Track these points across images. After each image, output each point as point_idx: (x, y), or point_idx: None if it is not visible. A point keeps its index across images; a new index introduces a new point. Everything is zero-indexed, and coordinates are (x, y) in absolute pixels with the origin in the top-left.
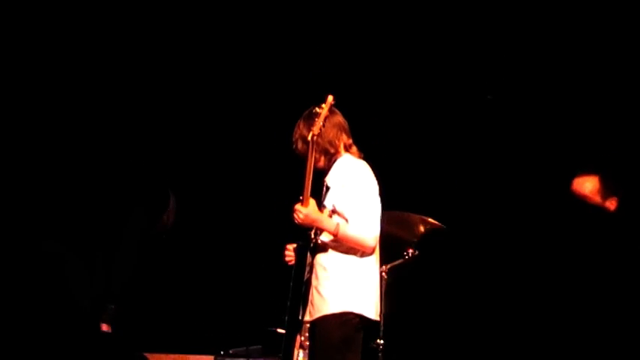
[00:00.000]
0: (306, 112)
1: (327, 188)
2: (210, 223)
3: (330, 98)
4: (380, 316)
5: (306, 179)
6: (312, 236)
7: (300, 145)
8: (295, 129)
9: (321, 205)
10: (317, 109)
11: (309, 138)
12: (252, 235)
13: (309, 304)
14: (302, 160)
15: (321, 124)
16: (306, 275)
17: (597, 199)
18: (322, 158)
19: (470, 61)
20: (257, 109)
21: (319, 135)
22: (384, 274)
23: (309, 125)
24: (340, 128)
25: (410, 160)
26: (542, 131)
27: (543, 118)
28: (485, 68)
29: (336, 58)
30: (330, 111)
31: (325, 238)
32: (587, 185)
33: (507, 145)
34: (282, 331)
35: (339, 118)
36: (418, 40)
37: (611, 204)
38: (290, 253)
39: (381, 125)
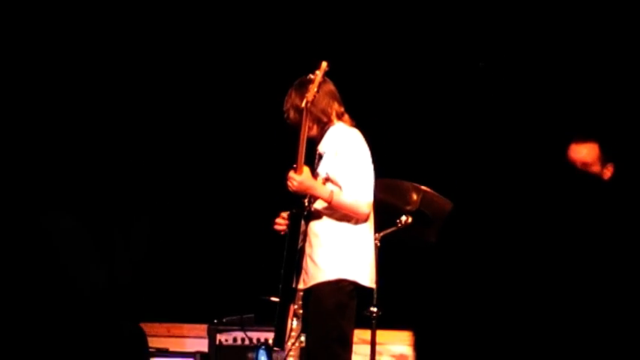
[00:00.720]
0: (298, 80)
1: (320, 156)
2: (202, 191)
3: (324, 64)
4: (374, 283)
5: (300, 146)
6: (306, 204)
7: (292, 114)
8: (287, 98)
9: (314, 173)
10: (310, 76)
11: (303, 105)
12: (244, 203)
13: (303, 272)
14: (294, 129)
15: (315, 90)
16: (300, 243)
17: (596, 165)
18: (315, 127)
19: (462, 28)
20: (250, 76)
21: (312, 103)
22: (376, 242)
23: (302, 94)
24: (332, 96)
25: (402, 128)
26: (536, 98)
27: (537, 84)
28: (478, 35)
29: (325, 25)
30: (323, 80)
31: (319, 205)
32: (585, 151)
33: (501, 111)
34: (276, 299)
35: (330, 86)
36: (408, 7)
37: (608, 170)
38: (281, 221)
39: (373, 93)
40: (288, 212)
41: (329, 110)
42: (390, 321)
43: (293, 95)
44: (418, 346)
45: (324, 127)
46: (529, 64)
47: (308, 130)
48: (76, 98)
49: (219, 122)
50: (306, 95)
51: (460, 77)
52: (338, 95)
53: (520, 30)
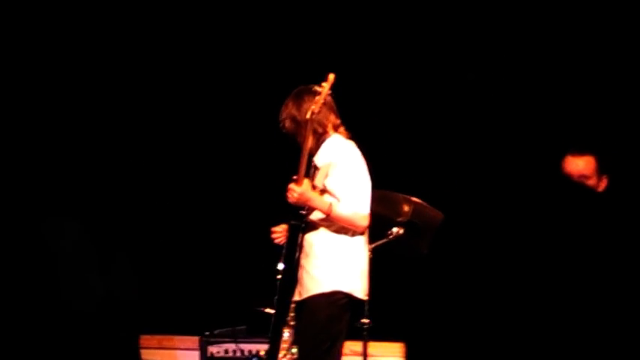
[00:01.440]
0: (296, 90)
1: (316, 168)
2: (195, 202)
3: (332, 77)
4: (367, 295)
5: (302, 158)
6: (305, 215)
7: (287, 123)
8: (283, 107)
9: (308, 172)
10: (316, 88)
11: (308, 116)
12: (236, 214)
13: (298, 284)
14: (290, 138)
15: (322, 102)
16: (297, 255)
17: (592, 178)
18: (310, 138)
19: (452, 39)
20: (248, 84)
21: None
22: (369, 253)
23: (299, 104)
24: (329, 108)
25: (393, 139)
26: (529, 108)
27: (531, 95)
28: (469, 45)
29: (319, 36)
30: (318, 92)
31: (315, 216)
32: (582, 164)
33: (493, 123)
34: (271, 311)
35: (327, 98)
36: (400, 21)
37: (602, 182)
38: (278, 230)
39: (362, 105)
40: (286, 224)
41: (325, 122)
42: (381, 333)
43: (290, 105)
44: (410, 358)
45: (320, 138)
46: (522, 74)
47: (306, 141)
48: (74, 103)
49: (213, 131)
50: (312, 107)
51: (451, 89)
52: (335, 107)
53: (514, 40)
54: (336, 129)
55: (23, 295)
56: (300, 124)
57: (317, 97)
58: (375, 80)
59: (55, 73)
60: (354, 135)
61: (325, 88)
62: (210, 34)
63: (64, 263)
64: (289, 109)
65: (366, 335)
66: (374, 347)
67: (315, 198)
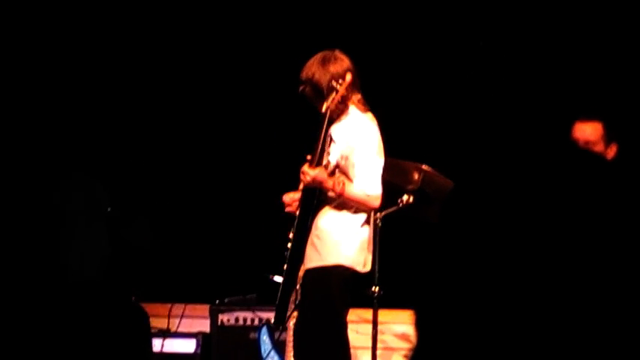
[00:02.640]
0: (321, 55)
1: (332, 139)
2: (205, 170)
3: (349, 77)
4: (375, 264)
5: (318, 143)
6: (317, 194)
7: (308, 89)
8: (306, 70)
9: (322, 157)
10: (334, 84)
11: (323, 110)
12: (246, 182)
13: (305, 257)
14: (306, 101)
15: (338, 100)
16: (309, 223)
17: (599, 144)
18: (329, 102)
19: (462, 7)
20: (251, 63)
21: (329, 79)
22: (378, 221)
23: (323, 71)
24: (353, 84)
25: (402, 107)
26: (539, 76)
27: (541, 62)
28: (478, 13)
29: (321, 8)
30: (340, 59)
31: (330, 195)
32: (589, 130)
33: (502, 89)
34: (279, 279)
35: (349, 65)
36: None
37: (611, 150)
38: (288, 199)
39: (373, 73)
40: (293, 193)
41: (349, 96)
42: (392, 300)
43: (314, 69)
44: (420, 325)
45: (341, 111)
46: (532, 41)
47: (323, 106)
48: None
49: (222, 104)
50: (328, 104)
51: (460, 56)
52: (356, 75)
53: (525, 5)
54: (355, 103)
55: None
56: (320, 93)
57: (333, 94)
58: (385, 48)
59: (52, 73)
60: (369, 104)
61: (342, 86)
62: (210, 22)
63: (69, 230)
64: (313, 73)
65: (376, 303)
66: (384, 315)
67: (328, 180)
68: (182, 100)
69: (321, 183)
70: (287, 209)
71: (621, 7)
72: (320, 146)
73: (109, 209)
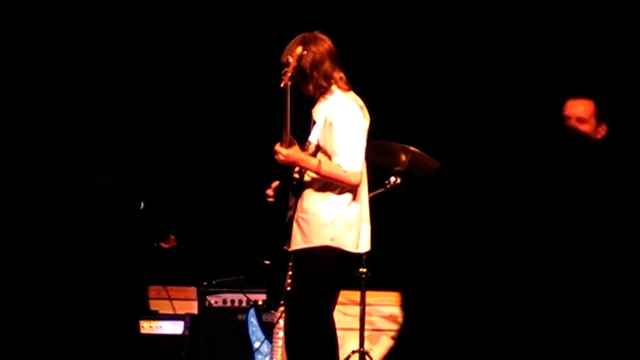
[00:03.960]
0: (301, 36)
1: (314, 122)
2: (192, 154)
3: (299, 50)
4: (362, 248)
5: (285, 121)
6: (297, 175)
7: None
8: (286, 52)
9: (305, 141)
10: (285, 59)
11: (282, 86)
12: (232, 166)
13: (292, 236)
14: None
15: (292, 73)
16: (290, 213)
17: (590, 123)
18: (311, 85)
19: None
20: (236, 46)
21: (314, 65)
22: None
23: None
24: (335, 61)
25: (393, 89)
26: (526, 55)
27: (528, 41)
28: None
29: None
30: (321, 40)
31: (310, 175)
32: (581, 108)
33: (487, 69)
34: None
35: (330, 46)
36: None
37: (602, 129)
38: (271, 192)
39: (358, 54)
40: (278, 182)
41: (331, 74)
42: (379, 282)
43: (292, 50)
44: (407, 307)
45: (323, 91)
46: (519, 22)
47: (306, 91)
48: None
49: (207, 87)
50: (283, 79)
51: (446, 36)
52: (337, 56)
53: None
54: (337, 82)
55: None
56: (303, 75)
57: (286, 69)
58: (372, 29)
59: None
60: (353, 85)
61: (293, 60)
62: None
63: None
64: (293, 51)
65: (364, 285)
66: (371, 296)
67: (303, 158)
68: (170, 91)
69: (295, 162)
70: (269, 199)
71: None
72: (286, 121)
73: (142, 205)
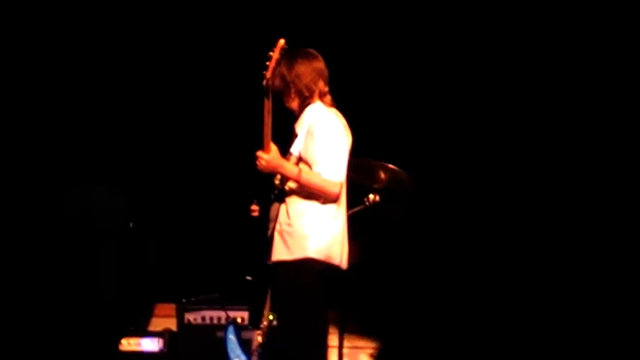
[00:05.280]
0: (289, 50)
1: (296, 135)
2: (174, 171)
3: (282, 42)
4: (345, 262)
5: (265, 125)
6: (278, 183)
7: (277, 81)
8: (276, 66)
9: (287, 153)
10: (270, 54)
11: (264, 83)
12: (212, 184)
13: (274, 248)
14: (277, 95)
15: (274, 66)
16: (272, 224)
17: None
18: (296, 100)
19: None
20: (222, 57)
21: (297, 76)
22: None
23: (290, 64)
24: (319, 74)
25: (367, 106)
26: (499, 71)
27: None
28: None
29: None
30: (312, 56)
31: (291, 184)
32: None
33: (470, 92)
34: (250, 278)
35: (320, 64)
36: None
37: None
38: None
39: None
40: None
41: (313, 87)
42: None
43: (282, 63)
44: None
45: (304, 102)
46: (506, 31)
47: (289, 101)
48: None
49: (187, 103)
50: (265, 73)
51: (424, 56)
52: (326, 74)
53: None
54: (321, 96)
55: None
56: (288, 85)
57: (268, 64)
58: (349, 49)
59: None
60: (337, 102)
61: (275, 52)
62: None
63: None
64: (280, 68)
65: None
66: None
67: (284, 165)
68: (155, 102)
69: (276, 168)
70: (254, 214)
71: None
72: (267, 126)
73: (131, 224)
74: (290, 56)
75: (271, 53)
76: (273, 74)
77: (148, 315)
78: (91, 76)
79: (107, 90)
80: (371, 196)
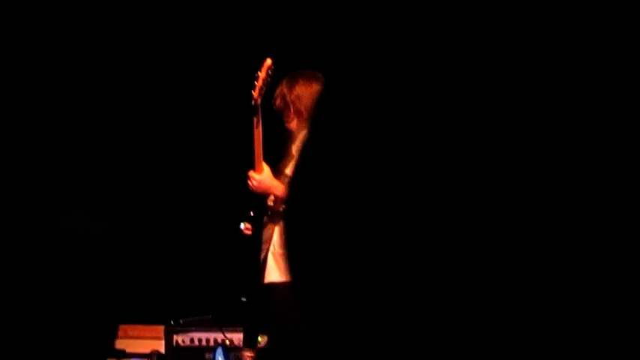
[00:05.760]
0: (292, 73)
1: (292, 156)
2: (162, 188)
3: (269, 61)
4: None
5: (256, 145)
6: (271, 205)
7: (278, 101)
8: (279, 85)
9: (281, 174)
10: (257, 73)
11: (252, 103)
12: (203, 202)
13: (267, 269)
14: (278, 115)
15: (261, 86)
16: (265, 245)
17: None
18: (295, 120)
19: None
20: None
21: (297, 97)
22: None
23: (291, 85)
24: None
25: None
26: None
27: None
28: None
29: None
30: (315, 78)
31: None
32: None
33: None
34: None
35: (319, 86)
36: None
37: None
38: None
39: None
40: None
41: (308, 110)
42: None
43: (284, 84)
44: None
45: (303, 124)
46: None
47: (289, 120)
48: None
49: (175, 120)
50: (253, 93)
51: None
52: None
53: None
54: None
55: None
56: (287, 105)
57: (255, 83)
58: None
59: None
60: None
61: (262, 72)
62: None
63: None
64: (281, 88)
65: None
66: None
67: (276, 186)
68: (131, 124)
69: (268, 189)
70: (246, 232)
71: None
72: (257, 145)
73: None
74: (292, 77)
75: (259, 73)
76: (260, 94)
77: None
78: (70, 96)
79: (88, 109)
80: None
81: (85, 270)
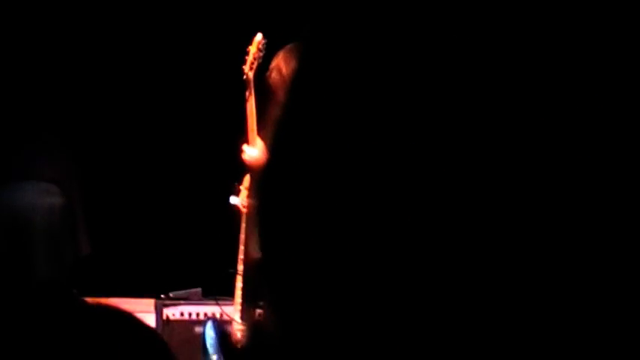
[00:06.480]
0: (288, 45)
1: None
2: (149, 160)
3: (259, 36)
4: None
5: (248, 119)
6: None
7: (273, 74)
8: (274, 58)
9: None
10: (248, 48)
11: (244, 77)
12: (194, 175)
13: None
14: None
15: (252, 60)
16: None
17: None
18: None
19: None
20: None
21: (294, 71)
22: None
23: (288, 59)
24: None
25: None
26: None
27: None
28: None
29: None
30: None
31: None
32: None
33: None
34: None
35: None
36: None
37: None
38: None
39: None
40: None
41: None
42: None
43: (280, 57)
44: None
45: None
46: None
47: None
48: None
49: (167, 90)
50: (243, 67)
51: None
52: None
53: None
54: None
55: None
56: (283, 79)
57: (246, 57)
58: None
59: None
60: None
61: (253, 47)
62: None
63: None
64: (278, 61)
65: None
66: None
67: None
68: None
69: (262, 162)
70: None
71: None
72: (250, 119)
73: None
74: (289, 50)
75: (249, 48)
76: (251, 68)
77: None
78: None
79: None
80: None
81: (41, 245)
